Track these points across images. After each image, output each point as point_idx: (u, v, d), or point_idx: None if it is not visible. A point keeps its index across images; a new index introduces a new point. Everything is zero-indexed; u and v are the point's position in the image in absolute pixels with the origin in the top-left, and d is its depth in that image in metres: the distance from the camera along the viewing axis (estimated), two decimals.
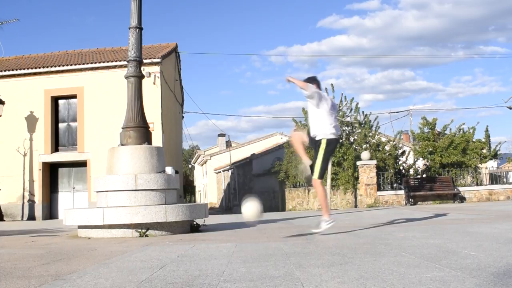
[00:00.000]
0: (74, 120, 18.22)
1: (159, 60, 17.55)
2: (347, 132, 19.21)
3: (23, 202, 17.56)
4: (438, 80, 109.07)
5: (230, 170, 37.47)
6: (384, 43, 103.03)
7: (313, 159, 5.45)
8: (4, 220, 16.80)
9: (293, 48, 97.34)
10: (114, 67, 17.65)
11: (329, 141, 5.41)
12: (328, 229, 5.40)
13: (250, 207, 5.06)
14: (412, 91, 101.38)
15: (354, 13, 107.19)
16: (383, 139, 19.72)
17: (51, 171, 18.37)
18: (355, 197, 17.47)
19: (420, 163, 19.43)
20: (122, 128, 7.37)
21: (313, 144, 5.52)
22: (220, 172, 40.76)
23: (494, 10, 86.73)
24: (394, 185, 18.13)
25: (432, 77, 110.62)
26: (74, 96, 18.14)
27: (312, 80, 5.60)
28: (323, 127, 5.41)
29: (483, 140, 18.99)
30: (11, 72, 18.07)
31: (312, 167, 5.45)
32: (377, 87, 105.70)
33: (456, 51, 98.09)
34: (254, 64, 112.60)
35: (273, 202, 26.17)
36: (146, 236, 6.31)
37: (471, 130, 18.69)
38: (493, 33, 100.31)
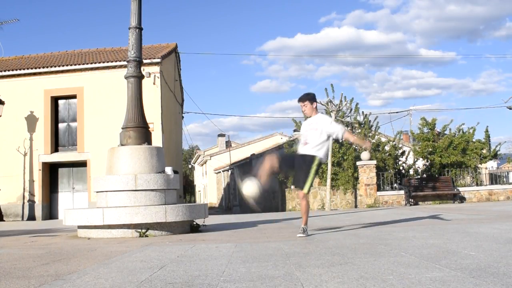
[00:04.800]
0: (74, 120, 18.21)
1: (159, 60, 17.54)
2: None
3: (23, 202, 17.55)
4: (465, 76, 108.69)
5: (230, 170, 37.47)
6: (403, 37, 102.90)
7: (299, 174, 5.63)
8: (4, 220, 16.79)
9: (294, 42, 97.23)
10: (114, 67, 17.64)
11: (320, 161, 5.65)
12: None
13: (250, 185, 5.41)
14: (440, 87, 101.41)
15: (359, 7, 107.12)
16: (383, 139, 19.71)
17: (51, 171, 18.36)
18: (355, 197, 17.47)
19: (420, 163, 19.43)
20: (122, 128, 7.37)
21: (298, 161, 5.63)
22: (220, 172, 40.75)
23: None
24: (394, 185, 18.12)
25: (459, 74, 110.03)
26: (74, 96, 18.13)
27: (315, 99, 5.83)
28: (323, 150, 5.64)
29: (483, 140, 18.98)
30: (11, 72, 18.06)
31: (298, 181, 5.64)
32: (399, 83, 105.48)
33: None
34: (251, 63, 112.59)
35: (273, 202, 26.16)
36: (146, 236, 6.31)
37: (470, 131, 18.69)
38: None
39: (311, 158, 5.56)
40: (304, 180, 5.52)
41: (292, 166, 5.73)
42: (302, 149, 5.69)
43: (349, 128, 19.26)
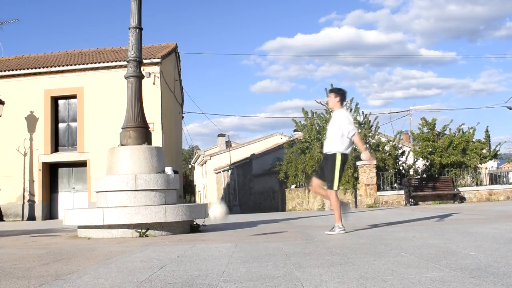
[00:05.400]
0: (74, 120, 18.22)
1: (159, 60, 17.54)
2: None
3: (23, 202, 17.56)
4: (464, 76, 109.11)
5: (230, 170, 37.48)
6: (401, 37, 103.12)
7: (326, 174, 5.86)
8: (4, 220, 16.80)
9: (294, 41, 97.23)
10: (114, 67, 17.65)
11: (342, 156, 5.80)
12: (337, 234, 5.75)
13: (217, 209, 5.57)
14: (440, 87, 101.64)
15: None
16: (383, 139, 19.70)
17: (51, 171, 18.37)
18: (355, 197, 17.47)
19: (420, 163, 19.42)
20: (122, 128, 7.37)
21: (325, 162, 5.94)
22: (220, 172, 40.76)
23: None
24: (394, 185, 18.11)
25: (459, 73, 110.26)
26: (74, 96, 18.14)
27: (340, 94, 6.02)
28: (341, 144, 5.78)
29: (483, 140, 18.98)
30: (11, 72, 18.06)
31: (327, 181, 5.86)
32: (399, 83, 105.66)
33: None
34: (251, 63, 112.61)
35: (273, 202, 26.17)
36: (146, 236, 6.31)
37: (470, 131, 18.68)
38: None
39: (333, 156, 5.77)
40: (331, 179, 5.75)
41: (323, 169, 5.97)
42: (325, 147, 5.93)
43: None
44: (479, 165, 18.83)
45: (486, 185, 18.32)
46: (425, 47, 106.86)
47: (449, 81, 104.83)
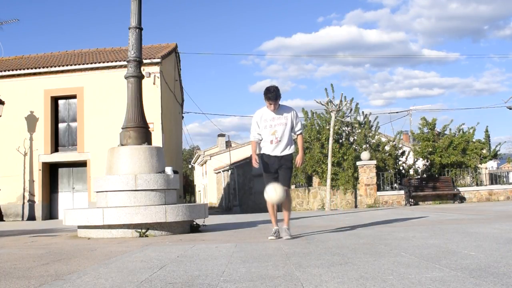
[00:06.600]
0: (74, 120, 18.21)
1: (159, 60, 17.54)
2: (347, 132, 19.20)
3: (23, 202, 17.55)
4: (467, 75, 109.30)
5: (230, 170, 37.46)
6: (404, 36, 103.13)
7: (288, 175, 5.47)
8: (4, 220, 16.79)
9: (293, 41, 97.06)
10: (114, 67, 17.64)
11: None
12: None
13: (273, 191, 5.09)
14: (443, 87, 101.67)
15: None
16: (383, 139, 19.69)
17: (51, 171, 18.36)
18: (355, 197, 17.46)
19: (420, 163, 19.42)
20: (122, 128, 7.37)
21: (277, 162, 5.43)
22: (220, 172, 40.74)
23: None
24: (394, 185, 18.11)
25: (462, 73, 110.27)
26: (74, 96, 18.13)
27: (265, 94, 5.39)
28: (292, 143, 5.53)
29: (483, 140, 18.98)
30: (11, 72, 18.05)
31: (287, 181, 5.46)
32: (400, 82, 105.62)
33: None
34: (250, 63, 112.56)
35: None
36: (146, 236, 6.31)
37: (470, 131, 18.68)
38: None
39: (289, 155, 5.47)
40: (291, 178, 5.61)
41: (277, 175, 5.39)
42: (278, 149, 5.40)
43: (349, 128, 19.24)
44: (479, 165, 18.84)
45: (486, 185, 18.33)
46: (428, 47, 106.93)
47: (452, 81, 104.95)
